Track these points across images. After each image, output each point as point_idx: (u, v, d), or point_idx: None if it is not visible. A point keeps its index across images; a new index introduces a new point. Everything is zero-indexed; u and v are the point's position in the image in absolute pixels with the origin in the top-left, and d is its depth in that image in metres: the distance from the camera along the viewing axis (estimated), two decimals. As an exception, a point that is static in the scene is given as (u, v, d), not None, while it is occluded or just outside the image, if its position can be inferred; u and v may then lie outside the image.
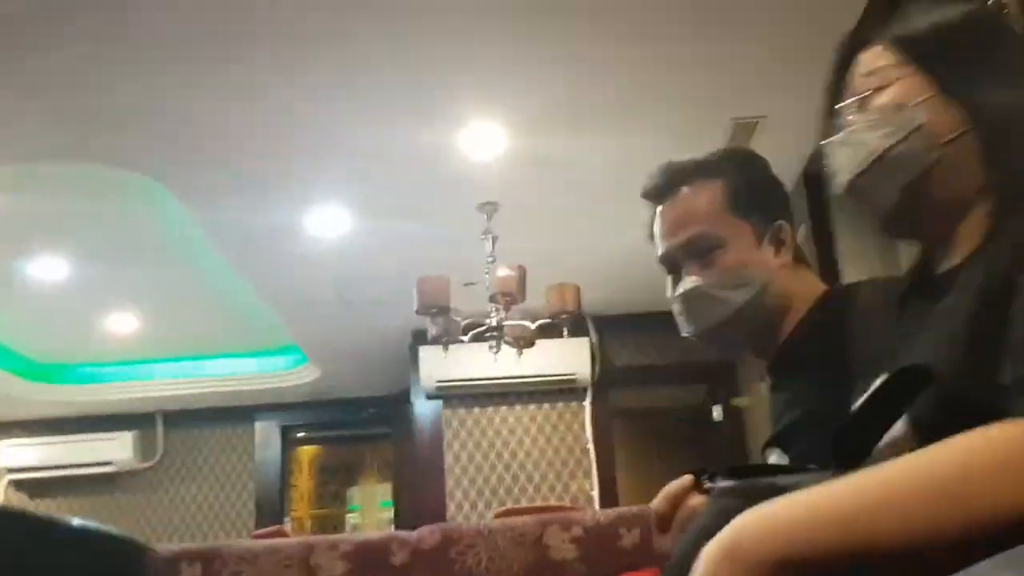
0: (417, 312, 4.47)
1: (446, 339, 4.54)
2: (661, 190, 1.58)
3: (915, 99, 1.09)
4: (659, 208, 1.58)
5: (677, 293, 1.53)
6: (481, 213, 4.77)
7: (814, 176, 4.30)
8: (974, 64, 1.08)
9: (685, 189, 1.55)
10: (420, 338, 5.70)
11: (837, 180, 1.15)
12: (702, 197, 1.54)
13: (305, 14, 3.34)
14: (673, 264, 1.55)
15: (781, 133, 4.02)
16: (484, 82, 3.83)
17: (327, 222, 4.92)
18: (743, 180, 1.55)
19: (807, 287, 1.55)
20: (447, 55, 3.63)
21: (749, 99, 3.98)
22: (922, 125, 1.08)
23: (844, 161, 1.14)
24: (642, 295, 5.99)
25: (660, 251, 1.57)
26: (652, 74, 3.79)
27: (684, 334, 1.56)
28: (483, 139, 4.20)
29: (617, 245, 4.55)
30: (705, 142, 4.18)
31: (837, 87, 1.18)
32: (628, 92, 3.89)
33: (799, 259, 1.56)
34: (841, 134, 1.15)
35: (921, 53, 1.10)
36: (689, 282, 1.51)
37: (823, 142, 1.18)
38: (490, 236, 4.75)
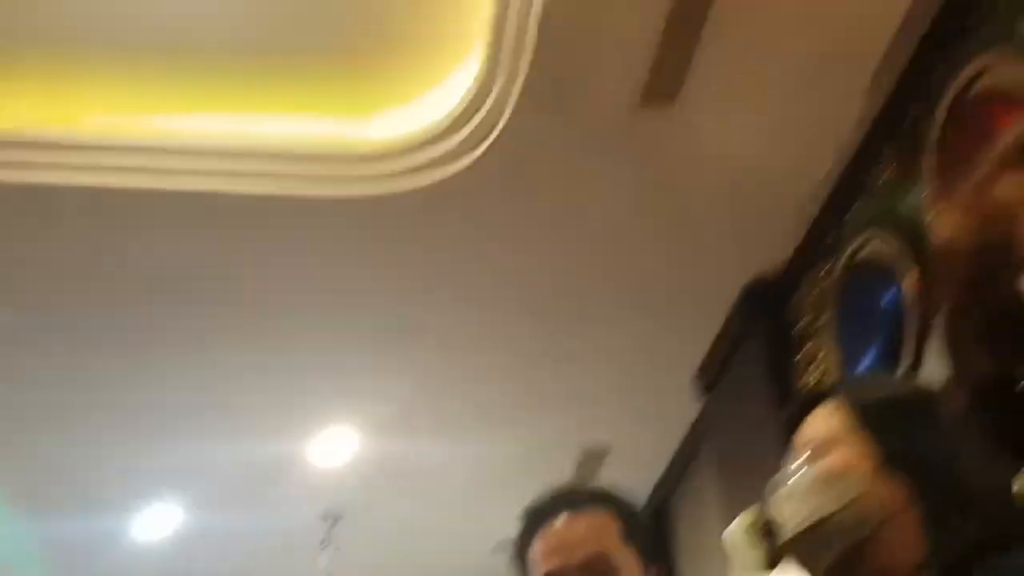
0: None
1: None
2: (554, 509, 1.56)
3: (861, 469, 1.13)
4: (551, 526, 1.55)
5: None
6: (323, 522, 4.61)
7: (658, 509, 4.38)
8: (920, 441, 1.12)
9: (581, 511, 1.54)
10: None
11: (782, 532, 1.17)
12: (600, 522, 1.53)
13: (165, 322, 3.36)
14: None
15: (627, 463, 4.12)
16: (339, 389, 3.86)
17: (156, 522, 4.65)
18: (630, 515, 1.56)
19: None
20: (304, 363, 3.67)
21: (597, 428, 4.12)
22: (864, 496, 1.11)
23: (787, 515, 1.17)
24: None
25: (548, 568, 1.52)
26: (503, 395, 3.89)
27: None
28: (333, 447, 4.16)
29: (466, 564, 4.45)
30: (553, 465, 4.33)
31: (795, 423, 1.22)
32: (482, 405, 3.97)
33: None
34: (788, 485, 1.18)
35: (876, 422, 1.14)
36: None
37: (770, 488, 1.21)
38: (329, 547, 4.57)
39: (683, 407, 3.78)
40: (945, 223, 0.86)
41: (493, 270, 3.25)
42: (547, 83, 2.58)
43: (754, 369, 3.26)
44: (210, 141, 2.90)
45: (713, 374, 3.60)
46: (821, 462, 1.16)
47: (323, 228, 3.04)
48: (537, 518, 1.57)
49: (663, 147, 2.82)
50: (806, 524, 1.13)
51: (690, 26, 2.47)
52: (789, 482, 1.18)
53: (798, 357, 3.10)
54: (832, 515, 1.11)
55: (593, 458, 4.29)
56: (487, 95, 2.67)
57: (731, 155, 2.84)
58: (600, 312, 3.43)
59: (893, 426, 1.14)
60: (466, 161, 2.83)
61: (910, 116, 2.50)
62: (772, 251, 3.17)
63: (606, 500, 1.57)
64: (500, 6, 2.46)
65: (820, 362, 2.98)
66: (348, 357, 3.66)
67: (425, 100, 2.85)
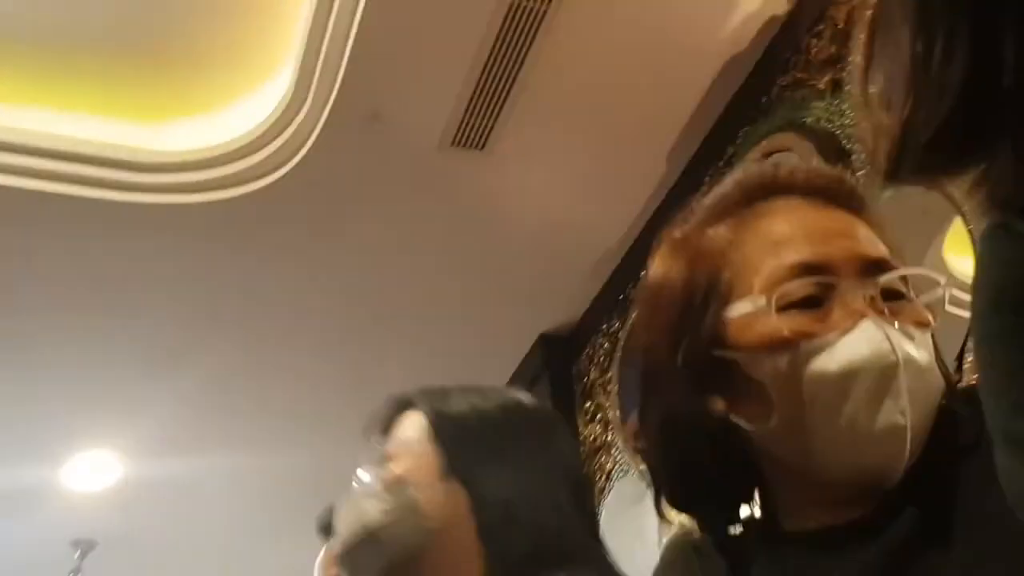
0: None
1: None
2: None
3: (421, 478, 1.08)
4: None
5: None
6: (74, 550, 4.31)
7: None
8: (491, 454, 1.08)
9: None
10: None
11: (336, 543, 1.10)
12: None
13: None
14: None
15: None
16: (99, 411, 3.62)
17: None
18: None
19: None
20: (63, 381, 3.42)
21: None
22: (417, 505, 1.06)
23: (344, 525, 1.10)
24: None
25: None
26: (271, 423, 3.76)
27: None
28: (90, 471, 3.89)
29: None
30: (319, 497, 4.21)
31: (383, 433, 1.17)
32: (247, 435, 3.82)
33: None
34: (350, 493, 1.12)
35: (446, 433, 1.10)
36: None
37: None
38: (79, 576, 4.28)
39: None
40: (657, 263, 0.87)
41: (279, 293, 3.14)
42: (356, 111, 2.54)
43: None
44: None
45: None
46: (384, 470, 1.12)
47: (97, 235, 2.84)
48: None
49: (469, 191, 2.82)
50: (362, 532, 1.08)
51: (502, 80, 2.51)
52: (352, 491, 1.14)
53: (585, 407, 3.16)
54: (386, 524, 1.07)
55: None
56: (294, 116, 2.59)
57: (535, 207, 2.88)
58: (390, 345, 3.38)
59: (463, 438, 1.10)
60: (266, 181, 2.74)
61: (706, 182, 2.62)
62: (569, 303, 3.23)
63: None
64: (314, 27, 2.40)
65: (603, 416, 3.05)
66: (111, 377, 3.44)
67: (230, 113, 2.73)
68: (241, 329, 3.28)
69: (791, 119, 2.33)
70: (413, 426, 1.14)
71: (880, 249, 0.79)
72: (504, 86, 2.53)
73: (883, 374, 0.73)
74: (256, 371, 3.48)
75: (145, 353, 3.34)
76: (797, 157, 2.22)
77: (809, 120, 2.27)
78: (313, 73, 2.48)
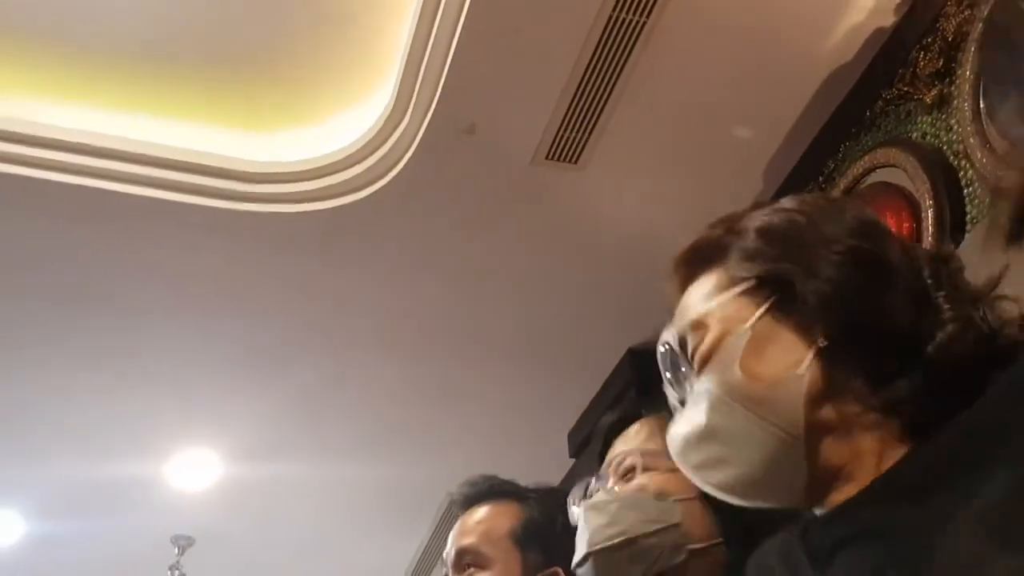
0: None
1: None
2: (467, 500, 1.61)
3: (679, 495, 1.08)
4: (462, 515, 1.60)
5: None
6: (173, 546, 4.44)
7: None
8: None
9: (486, 503, 1.59)
10: None
11: (583, 542, 1.11)
12: (494, 514, 1.56)
13: (21, 322, 3.18)
14: (451, 567, 1.56)
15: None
16: (202, 411, 3.72)
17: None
18: (530, 517, 1.57)
19: None
20: (168, 381, 3.52)
21: (464, 475, 4.05)
22: (680, 524, 1.07)
23: (595, 528, 1.11)
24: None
25: (445, 554, 1.59)
26: (372, 432, 3.81)
27: None
28: (192, 469, 4.00)
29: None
30: (416, 508, 4.26)
31: (611, 437, 1.18)
32: (349, 438, 3.87)
33: None
34: (599, 496, 1.13)
35: None
36: None
37: (572, 496, 1.15)
38: (176, 573, 4.41)
39: (557, 464, 3.77)
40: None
41: (375, 305, 3.19)
42: (453, 125, 2.57)
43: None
44: (95, 136, 2.77)
45: (583, 437, 3.60)
46: (637, 479, 1.12)
47: (202, 242, 2.93)
48: (457, 507, 1.64)
49: (562, 205, 2.83)
50: (620, 539, 1.08)
51: (598, 94, 2.51)
52: (601, 493, 1.13)
53: (673, 424, 3.13)
54: (648, 535, 1.07)
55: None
56: (393, 129, 2.63)
57: (627, 222, 2.87)
58: (480, 359, 3.41)
59: None
60: (364, 193, 2.79)
61: (803, 202, 2.57)
62: (659, 319, 3.19)
63: (517, 496, 1.61)
64: (415, 40, 2.43)
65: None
66: (214, 380, 3.53)
67: (331, 126, 2.79)
68: (335, 339, 3.34)
69: (895, 134, 2.27)
70: (656, 438, 1.14)
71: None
72: (600, 101, 2.53)
73: None
74: (349, 380, 3.54)
75: (246, 358, 3.43)
76: (901, 173, 2.17)
77: (915, 135, 2.21)
78: (413, 87, 2.52)
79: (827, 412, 0.79)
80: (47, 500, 4.22)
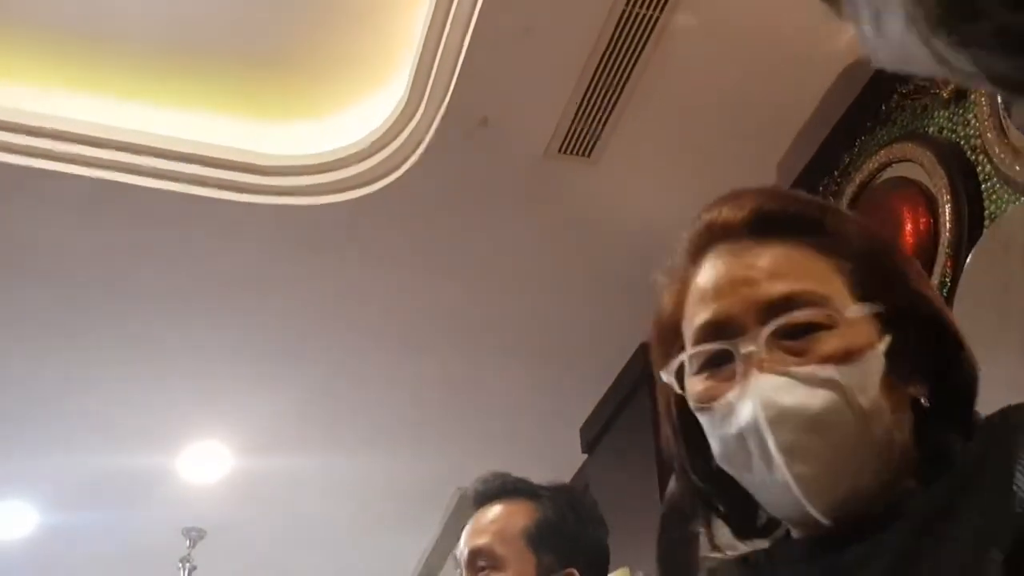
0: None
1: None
2: (480, 498, 1.61)
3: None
4: (477, 513, 1.60)
5: None
6: (185, 538, 4.45)
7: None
8: None
9: (501, 501, 1.58)
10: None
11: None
12: (508, 513, 1.56)
13: (35, 311, 3.19)
14: (464, 567, 1.55)
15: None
16: (214, 404, 3.73)
17: (8, 522, 4.41)
18: (544, 518, 1.55)
19: None
20: (181, 374, 3.54)
21: (477, 473, 4.05)
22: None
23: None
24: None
25: (458, 553, 1.58)
26: (383, 426, 3.82)
27: None
28: (203, 462, 4.01)
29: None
30: (426, 503, 4.26)
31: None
32: (361, 433, 3.88)
33: None
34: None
35: None
36: None
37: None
38: (187, 565, 4.42)
39: (569, 460, 3.76)
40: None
41: (387, 299, 3.19)
42: (466, 118, 2.56)
43: (635, 434, 3.25)
44: (112, 130, 2.78)
45: (595, 433, 3.59)
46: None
47: (218, 235, 2.93)
48: (472, 503, 1.64)
49: (575, 198, 2.82)
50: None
51: (611, 87, 2.50)
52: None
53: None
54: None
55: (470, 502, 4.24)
56: (407, 122, 2.63)
57: (640, 216, 2.86)
58: (492, 354, 3.41)
59: None
60: (377, 186, 2.78)
61: (819, 193, 2.55)
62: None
63: (531, 494, 1.59)
64: (430, 33, 2.43)
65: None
66: (228, 372, 3.54)
67: (345, 118, 2.79)
68: (349, 332, 3.34)
69: (911, 128, 2.25)
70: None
71: (779, 288, 0.79)
72: (613, 94, 2.52)
73: (760, 438, 0.75)
74: (362, 375, 3.54)
75: (259, 352, 3.44)
76: (918, 168, 2.15)
77: (931, 129, 2.19)
78: (427, 79, 2.51)
79: (893, 465, 0.78)
80: (60, 492, 4.24)
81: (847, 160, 2.47)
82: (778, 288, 0.79)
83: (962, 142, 2.09)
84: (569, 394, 3.52)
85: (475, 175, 2.76)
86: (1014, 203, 1.93)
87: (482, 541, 1.54)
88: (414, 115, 2.60)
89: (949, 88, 2.13)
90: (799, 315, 0.77)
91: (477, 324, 3.28)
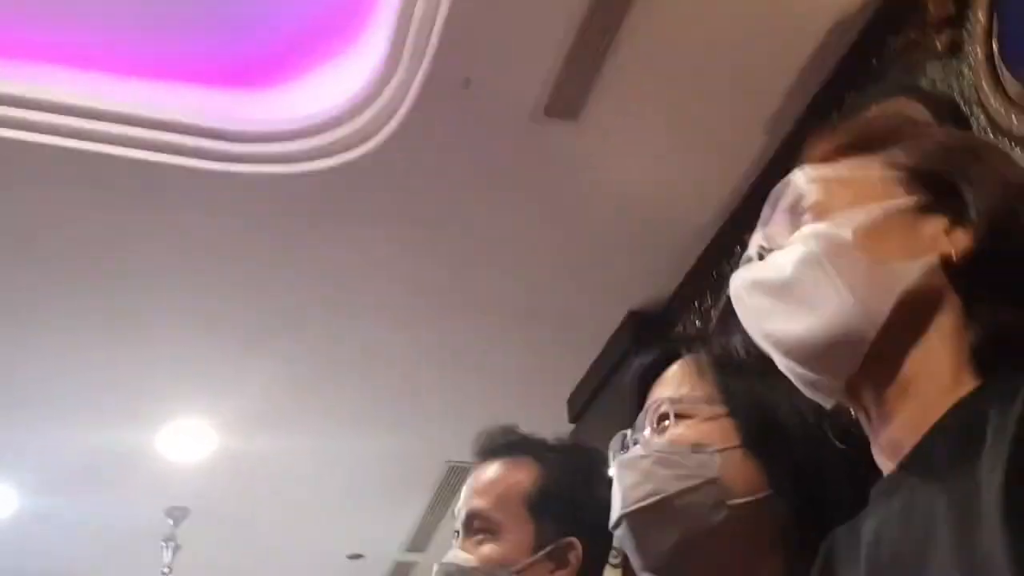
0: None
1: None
2: (483, 453, 1.52)
3: (718, 444, 0.99)
4: (476, 470, 1.52)
5: (440, 561, 1.46)
6: (168, 518, 4.41)
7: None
8: (781, 429, 0.98)
9: (501, 459, 1.50)
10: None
11: (617, 503, 1.02)
12: (509, 477, 1.48)
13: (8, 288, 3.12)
14: (460, 526, 1.48)
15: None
16: (196, 381, 3.67)
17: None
18: (544, 483, 1.48)
19: None
20: (161, 351, 3.47)
21: (465, 445, 4.01)
22: (718, 478, 0.97)
23: (626, 487, 1.01)
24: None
25: (456, 511, 1.51)
26: (371, 400, 3.76)
27: None
28: (185, 440, 3.96)
29: (311, 570, 4.27)
30: (415, 478, 4.23)
31: (646, 381, 1.09)
32: (347, 408, 3.82)
33: None
34: (628, 454, 1.04)
35: (737, 400, 1.00)
36: (449, 556, 1.45)
37: (611, 449, 1.08)
38: (171, 544, 4.38)
39: (556, 430, 3.72)
40: None
41: (371, 270, 3.13)
42: (448, 79, 2.50)
43: (622, 404, 3.20)
44: (90, 99, 2.70)
45: (583, 402, 3.55)
46: (673, 431, 1.02)
47: (195, 206, 2.86)
48: (474, 455, 1.54)
49: (562, 160, 2.76)
50: (653, 499, 0.98)
51: (597, 46, 2.44)
52: (636, 448, 1.03)
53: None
54: (682, 492, 0.97)
55: (459, 474, 4.21)
56: (386, 84, 2.57)
57: (627, 179, 2.81)
58: (479, 325, 3.35)
59: (756, 402, 1.00)
60: (360, 151, 2.72)
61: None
62: (660, 279, 3.15)
63: (536, 453, 1.51)
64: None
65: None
66: (210, 349, 3.48)
67: (320, 82, 2.72)
68: (333, 305, 3.28)
69: (904, 83, 2.21)
70: (690, 382, 1.04)
71: None
72: (600, 55, 2.47)
73: None
74: (346, 348, 3.48)
75: (242, 327, 3.38)
76: (911, 121, 2.11)
77: (924, 83, 2.15)
78: (405, 39, 2.45)
79: (920, 317, 0.73)
80: (41, 472, 4.19)
81: (836, 117, 2.43)
82: None
83: (956, 95, 2.05)
84: (557, 363, 3.47)
85: (459, 140, 2.70)
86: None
87: (480, 504, 1.46)
88: (393, 76, 2.53)
89: (943, 39, 2.08)
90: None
91: (463, 293, 3.23)
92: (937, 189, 0.77)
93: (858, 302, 0.73)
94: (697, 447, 0.99)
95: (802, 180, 0.83)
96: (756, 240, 0.84)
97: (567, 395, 3.63)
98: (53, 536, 4.61)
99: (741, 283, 0.81)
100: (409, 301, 3.27)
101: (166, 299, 3.23)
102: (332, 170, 2.76)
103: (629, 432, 1.08)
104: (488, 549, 1.43)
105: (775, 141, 2.66)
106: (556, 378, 3.55)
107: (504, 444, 1.53)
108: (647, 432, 1.04)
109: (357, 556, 4.84)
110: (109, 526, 4.54)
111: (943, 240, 0.75)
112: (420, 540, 4.74)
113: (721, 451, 0.99)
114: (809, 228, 0.77)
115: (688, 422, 1.02)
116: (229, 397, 3.74)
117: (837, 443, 0.87)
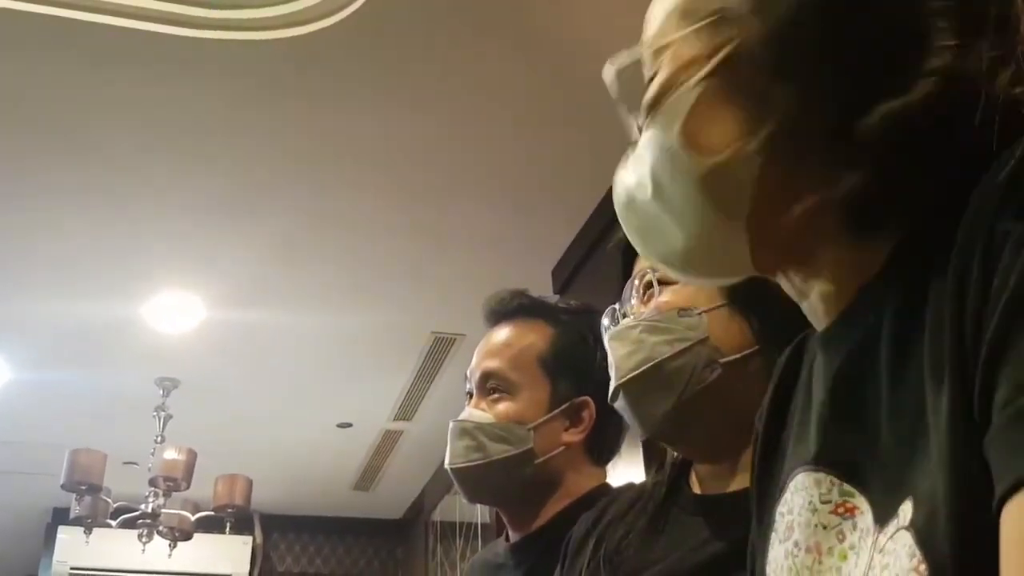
0: (63, 487, 4.08)
1: (91, 521, 4.16)
2: (495, 316, 1.53)
3: (704, 305, 1.00)
4: (490, 331, 1.53)
5: (455, 419, 1.48)
6: (158, 388, 4.47)
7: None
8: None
9: (514, 321, 1.51)
10: (61, 517, 5.18)
11: (613, 375, 1.04)
12: (523, 338, 1.49)
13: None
14: (474, 387, 1.50)
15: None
16: (183, 253, 3.66)
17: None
18: (558, 342, 1.49)
19: (582, 477, 1.46)
20: (147, 223, 3.45)
21: (450, 315, 4.06)
22: (708, 338, 0.99)
23: (620, 358, 1.03)
24: (317, 499, 5.79)
25: (468, 371, 1.53)
26: (355, 271, 3.77)
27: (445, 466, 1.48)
28: (174, 312, 3.98)
29: (300, 438, 4.37)
30: (401, 349, 4.28)
31: (631, 253, 1.07)
32: (333, 280, 3.84)
33: (593, 446, 1.47)
34: (618, 327, 1.05)
35: None
36: (464, 414, 1.47)
37: (603, 324, 1.08)
38: (162, 414, 4.46)
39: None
40: None
41: (351, 142, 3.08)
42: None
43: (607, 278, 3.21)
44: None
45: (567, 273, 3.57)
46: (658, 299, 1.02)
47: (172, 75, 2.79)
48: (488, 319, 1.54)
49: (539, 25, 2.66)
50: (645, 365, 1.00)
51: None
52: (626, 319, 1.05)
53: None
54: (673, 356, 0.99)
55: (443, 345, 4.26)
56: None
57: (609, 45, 2.71)
58: (461, 195, 3.33)
59: None
60: (331, 20, 2.64)
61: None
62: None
63: (549, 316, 1.52)
64: None
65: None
66: (195, 222, 3.46)
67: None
68: (316, 177, 3.25)
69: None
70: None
71: None
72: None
73: None
74: (330, 222, 3.46)
75: (225, 201, 3.35)
76: None
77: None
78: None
79: (780, 199, 0.64)
80: (31, 344, 4.22)
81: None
82: None
83: None
84: (541, 235, 3.48)
85: (433, 9, 2.61)
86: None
87: (495, 364, 1.47)
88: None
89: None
90: None
91: (445, 165, 3.20)
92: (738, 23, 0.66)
93: (711, 210, 0.67)
94: (684, 311, 1.00)
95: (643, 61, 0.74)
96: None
97: (552, 267, 3.65)
98: (45, 407, 4.69)
99: (622, 195, 0.73)
100: (390, 175, 3.24)
101: (149, 171, 3.18)
102: (305, 38, 2.68)
103: (618, 306, 1.09)
104: (504, 407, 1.45)
105: None
106: (541, 251, 3.56)
107: (516, 307, 1.53)
108: (634, 302, 1.05)
109: (346, 425, 4.95)
110: (100, 397, 4.61)
111: None
112: (407, 409, 4.84)
113: (707, 311, 1.00)
114: (648, 131, 0.69)
115: (673, 287, 1.02)
116: (215, 270, 3.74)
117: None
